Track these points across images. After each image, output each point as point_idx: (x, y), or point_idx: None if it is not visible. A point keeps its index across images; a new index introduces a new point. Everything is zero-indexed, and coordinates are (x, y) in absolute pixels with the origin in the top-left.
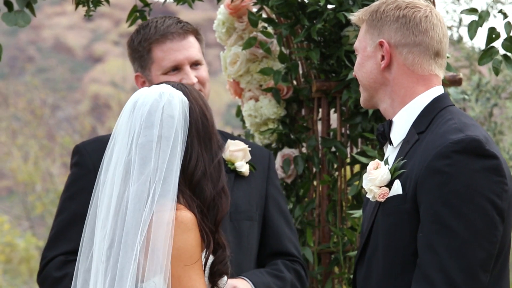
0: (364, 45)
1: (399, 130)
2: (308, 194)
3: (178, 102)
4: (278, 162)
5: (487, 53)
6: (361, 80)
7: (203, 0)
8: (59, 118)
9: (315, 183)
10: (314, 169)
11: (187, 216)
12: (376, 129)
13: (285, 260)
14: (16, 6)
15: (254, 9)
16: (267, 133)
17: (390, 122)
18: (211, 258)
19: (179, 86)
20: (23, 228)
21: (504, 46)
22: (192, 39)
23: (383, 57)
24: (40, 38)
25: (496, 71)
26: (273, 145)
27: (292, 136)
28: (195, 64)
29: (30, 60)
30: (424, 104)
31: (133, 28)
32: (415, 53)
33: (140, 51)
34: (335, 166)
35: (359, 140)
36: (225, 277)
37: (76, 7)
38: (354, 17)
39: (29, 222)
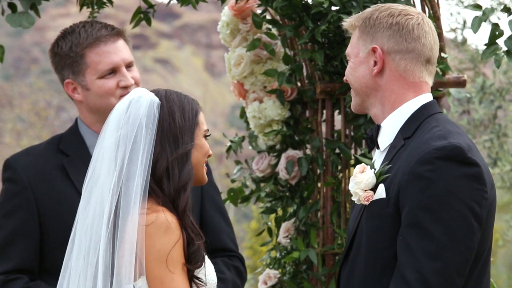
0: (356, 51)
1: (387, 135)
2: (312, 195)
3: (145, 101)
4: (282, 163)
5: (490, 49)
6: (353, 84)
7: (207, 1)
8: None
9: (319, 184)
10: (318, 171)
11: (166, 218)
12: None
13: (224, 257)
14: (20, 8)
15: (258, 11)
16: (271, 134)
17: (378, 127)
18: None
19: (162, 90)
20: None
21: (507, 44)
22: (122, 42)
23: (375, 63)
24: (45, 39)
25: (498, 64)
26: (277, 146)
27: (296, 138)
28: (129, 66)
29: (35, 62)
30: (412, 110)
31: (136, 29)
32: (408, 59)
33: (72, 56)
34: (339, 167)
35: (363, 141)
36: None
37: (81, 8)
38: (346, 23)
39: None
